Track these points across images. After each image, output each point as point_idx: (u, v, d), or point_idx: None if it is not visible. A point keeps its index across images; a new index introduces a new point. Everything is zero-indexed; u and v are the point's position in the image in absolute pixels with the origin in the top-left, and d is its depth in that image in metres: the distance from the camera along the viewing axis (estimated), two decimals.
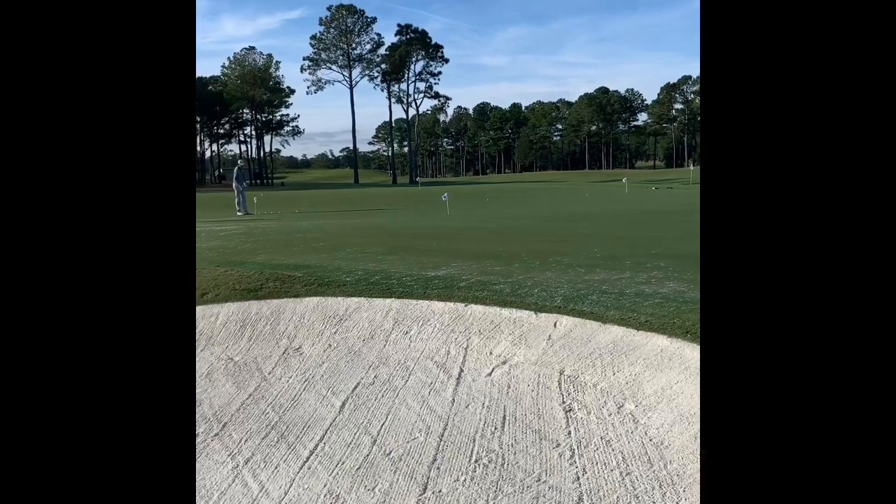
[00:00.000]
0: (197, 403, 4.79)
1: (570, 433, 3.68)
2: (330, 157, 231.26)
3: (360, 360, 5.09)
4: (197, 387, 5.12)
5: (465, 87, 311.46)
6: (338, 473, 3.56)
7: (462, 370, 4.63)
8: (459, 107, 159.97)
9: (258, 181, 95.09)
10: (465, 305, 5.42)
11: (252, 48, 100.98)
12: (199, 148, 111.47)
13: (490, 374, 4.51)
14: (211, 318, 6.28)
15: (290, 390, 4.79)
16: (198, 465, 3.86)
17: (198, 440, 4.19)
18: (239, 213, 21.00)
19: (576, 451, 3.51)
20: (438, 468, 3.50)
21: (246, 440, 4.10)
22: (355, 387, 4.65)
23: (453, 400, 4.24)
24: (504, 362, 4.62)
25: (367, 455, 3.71)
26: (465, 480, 3.36)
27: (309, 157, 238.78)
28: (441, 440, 3.77)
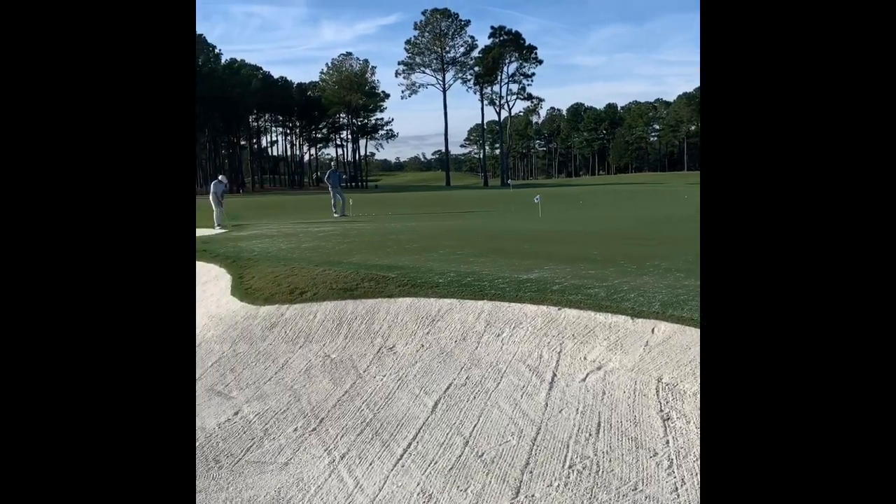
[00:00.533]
0: (296, 398, 4.96)
1: (668, 442, 3.56)
2: (422, 159, 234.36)
3: (453, 360, 5.12)
4: (295, 382, 5.30)
5: (558, 88, 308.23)
6: (431, 473, 3.59)
7: (555, 374, 4.57)
8: (552, 108, 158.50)
9: (353, 184, 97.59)
10: (559, 309, 5.35)
11: (349, 54, 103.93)
12: (297, 152, 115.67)
13: (584, 380, 4.43)
14: (309, 317, 6.49)
15: (384, 388, 4.87)
16: (295, 459, 3.99)
17: (295, 434, 4.34)
18: (335, 215, 21.57)
19: (674, 461, 3.39)
20: (531, 472, 3.47)
21: (342, 436, 4.20)
22: (447, 387, 4.68)
23: (546, 404, 4.19)
24: (599, 368, 4.52)
25: (460, 456, 3.72)
26: (558, 486, 3.32)
27: (402, 159, 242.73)
28: (534, 444, 3.73)
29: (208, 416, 4.84)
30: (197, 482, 3.81)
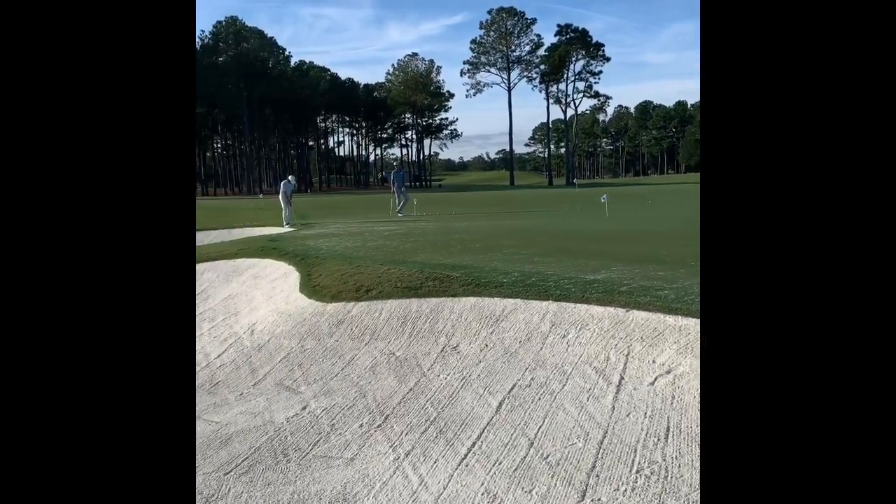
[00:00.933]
0: (361, 395, 5.03)
1: None
2: (486, 159, 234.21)
3: (517, 361, 5.09)
4: (361, 379, 5.38)
5: (626, 86, 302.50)
6: (495, 473, 3.58)
7: (622, 377, 4.48)
8: (620, 106, 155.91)
9: (417, 183, 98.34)
10: (627, 311, 5.24)
11: (415, 54, 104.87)
12: (363, 152, 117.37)
13: (653, 383, 4.33)
14: (375, 314, 6.57)
15: (447, 387, 4.89)
16: (361, 454, 4.04)
17: (361, 430, 4.40)
18: (399, 215, 21.77)
19: None
20: (598, 476, 3.41)
21: (406, 433, 4.24)
22: (512, 388, 4.66)
23: (613, 407, 4.12)
24: (668, 371, 4.41)
25: (525, 457, 3.69)
26: (625, 490, 3.25)
27: (466, 159, 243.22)
28: (600, 448, 3.67)
29: (277, 411, 4.96)
30: (266, 474, 3.91)
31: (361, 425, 4.48)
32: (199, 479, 3.91)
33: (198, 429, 4.80)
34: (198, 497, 3.70)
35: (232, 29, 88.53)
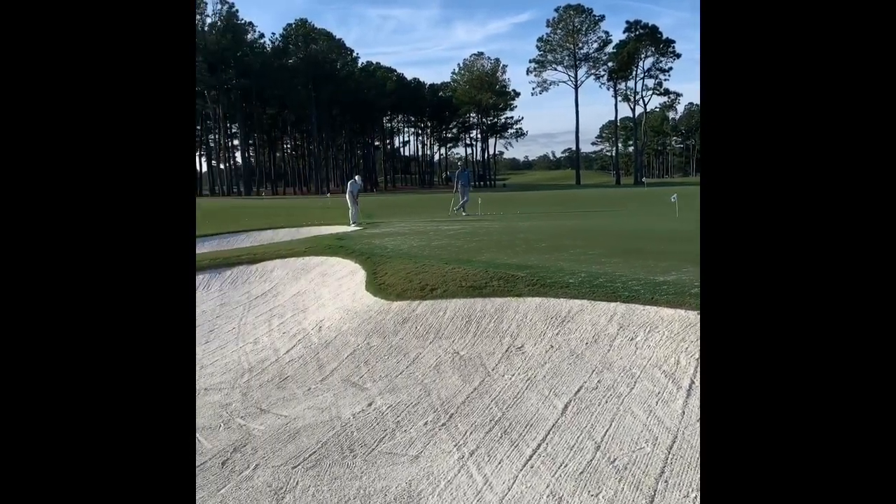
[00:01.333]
0: (426, 393, 5.06)
1: None
2: (551, 158, 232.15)
3: (583, 363, 5.01)
4: (426, 377, 5.40)
5: (698, 83, 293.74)
6: (560, 475, 3.54)
7: (693, 382, 4.36)
8: (691, 103, 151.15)
9: (481, 183, 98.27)
10: (698, 313, 5.09)
11: (481, 53, 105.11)
12: (428, 151, 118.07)
13: None
14: (439, 313, 6.60)
15: (512, 388, 4.86)
16: (426, 452, 4.06)
17: (426, 428, 4.42)
18: (464, 214, 21.79)
19: None
20: (667, 482, 3.32)
21: (471, 433, 4.23)
22: (578, 390, 4.59)
23: (683, 412, 4.01)
24: None
25: (591, 460, 3.63)
26: (695, 497, 3.15)
27: (531, 158, 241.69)
28: (669, 453, 3.58)
29: (344, 406, 5.04)
30: (333, 469, 3.97)
31: (426, 423, 4.50)
32: (267, 472, 4.01)
33: (267, 422, 4.92)
34: (266, 489, 3.80)
35: (301, 31, 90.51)
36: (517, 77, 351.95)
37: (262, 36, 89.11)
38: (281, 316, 8.60)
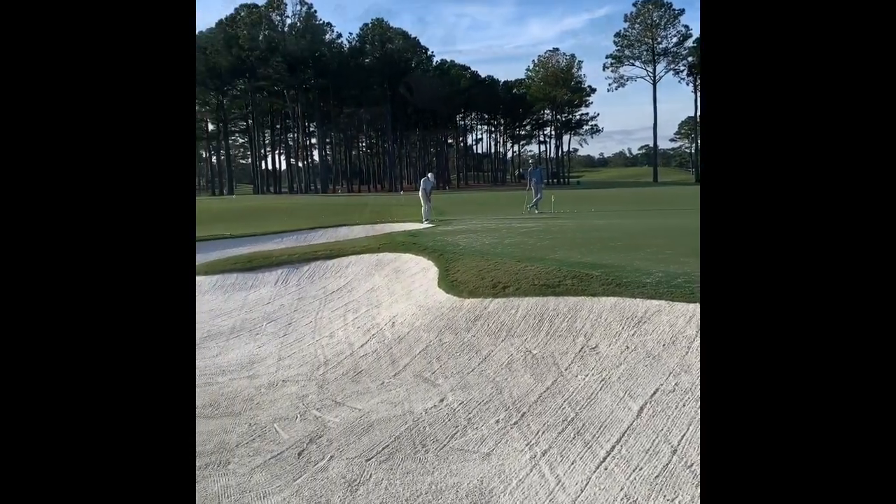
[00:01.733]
0: (497, 391, 5.04)
1: None
2: (627, 155, 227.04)
3: (660, 365, 4.89)
4: (497, 375, 5.39)
5: None
6: (635, 479, 3.46)
7: None
8: None
9: (555, 180, 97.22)
10: None
11: (556, 49, 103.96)
12: (500, 149, 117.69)
13: None
14: (511, 311, 6.57)
15: (586, 388, 4.78)
16: (497, 450, 4.05)
17: (497, 426, 4.41)
18: (536, 211, 21.59)
19: None
20: None
21: (543, 432, 4.19)
22: (654, 392, 4.48)
23: None
24: None
25: (667, 464, 3.54)
26: None
27: (606, 155, 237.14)
28: None
29: (416, 401, 5.08)
30: (405, 463, 4.02)
31: (497, 421, 4.49)
32: (342, 464, 4.09)
33: (341, 415, 5.03)
34: (341, 481, 3.87)
35: (377, 31, 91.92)
36: (593, 73, 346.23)
37: (339, 36, 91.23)
38: (356, 311, 8.76)
